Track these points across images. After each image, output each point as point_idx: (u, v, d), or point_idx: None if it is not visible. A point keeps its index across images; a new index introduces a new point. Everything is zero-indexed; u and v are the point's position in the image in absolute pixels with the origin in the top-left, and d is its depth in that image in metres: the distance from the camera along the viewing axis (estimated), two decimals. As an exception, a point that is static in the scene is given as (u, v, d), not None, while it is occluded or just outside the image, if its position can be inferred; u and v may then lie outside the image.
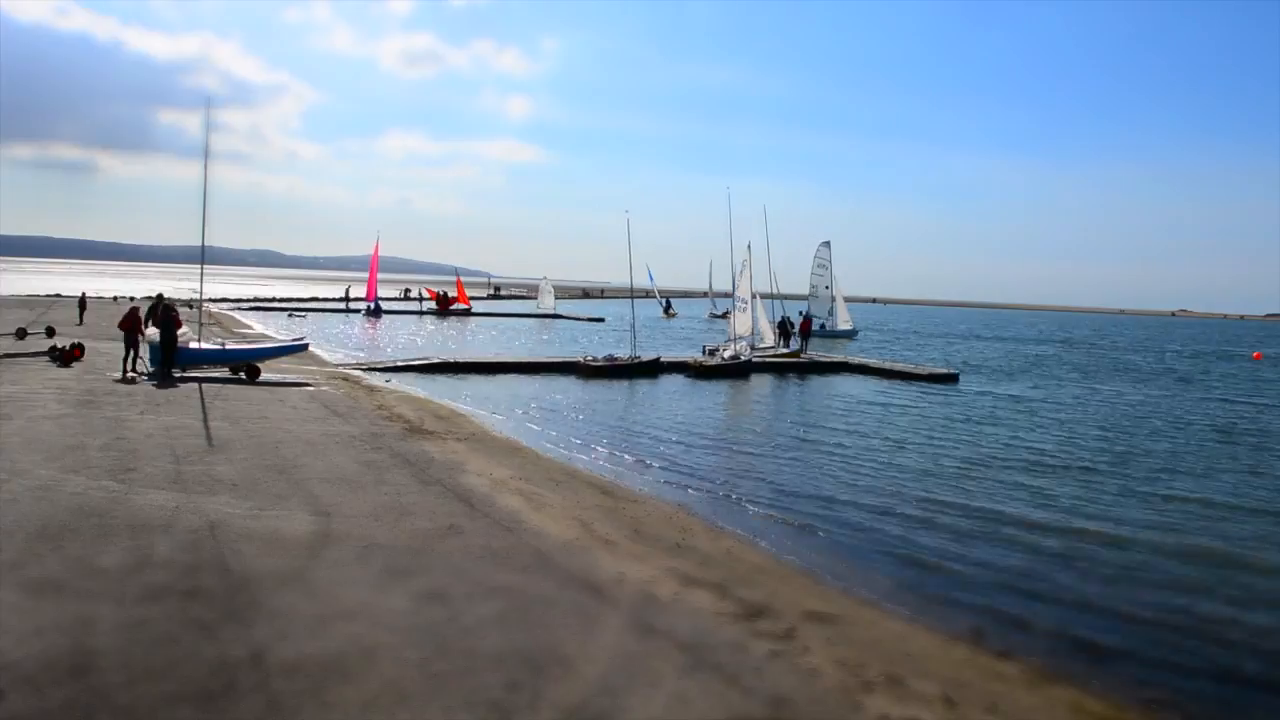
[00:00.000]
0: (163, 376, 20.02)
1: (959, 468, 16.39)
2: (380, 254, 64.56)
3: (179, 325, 20.76)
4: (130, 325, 20.47)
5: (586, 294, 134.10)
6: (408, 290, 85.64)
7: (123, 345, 20.52)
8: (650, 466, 15.52)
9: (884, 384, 30.97)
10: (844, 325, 55.45)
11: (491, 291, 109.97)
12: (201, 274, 23.14)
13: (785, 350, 37.39)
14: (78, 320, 35.42)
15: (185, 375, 20.50)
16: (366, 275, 64.18)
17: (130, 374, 19.84)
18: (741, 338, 34.45)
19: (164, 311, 20.58)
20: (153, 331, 21.37)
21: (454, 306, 67.73)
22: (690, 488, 13.97)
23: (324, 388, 21.17)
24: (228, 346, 24.00)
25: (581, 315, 71.41)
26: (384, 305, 62.54)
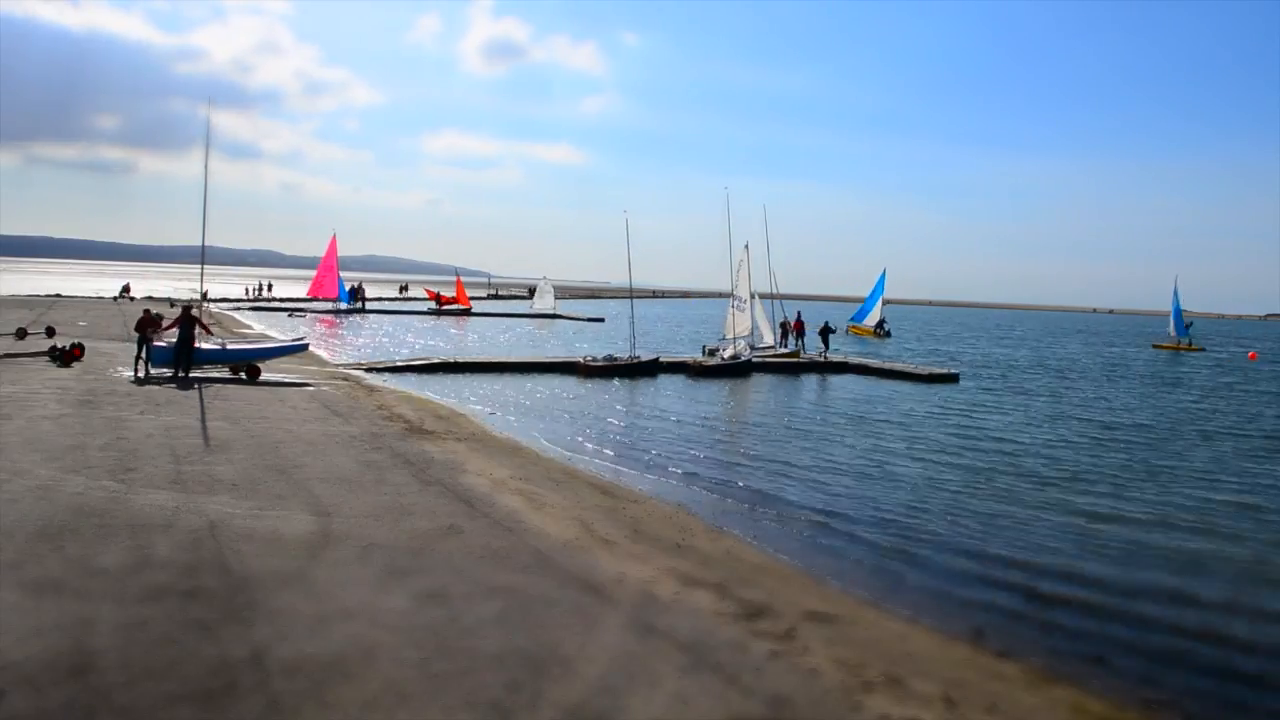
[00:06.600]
0: (178, 377, 20.22)
1: (959, 469, 16.39)
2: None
3: (196, 327, 20.91)
4: (142, 327, 20.92)
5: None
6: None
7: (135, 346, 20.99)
8: (650, 466, 15.52)
9: (884, 384, 30.99)
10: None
11: (491, 292, 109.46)
12: (202, 274, 23.17)
13: (785, 350, 37.44)
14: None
15: (186, 375, 20.53)
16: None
17: (140, 374, 20.20)
18: (740, 338, 34.46)
19: (184, 313, 20.88)
20: (172, 333, 21.71)
21: (449, 306, 67.76)
22: (690, 487, 13.97)
23: (324, 388, 21.18)
24: (228, 346, 24.01)
25: (581, 315, 71.45)
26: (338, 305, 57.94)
